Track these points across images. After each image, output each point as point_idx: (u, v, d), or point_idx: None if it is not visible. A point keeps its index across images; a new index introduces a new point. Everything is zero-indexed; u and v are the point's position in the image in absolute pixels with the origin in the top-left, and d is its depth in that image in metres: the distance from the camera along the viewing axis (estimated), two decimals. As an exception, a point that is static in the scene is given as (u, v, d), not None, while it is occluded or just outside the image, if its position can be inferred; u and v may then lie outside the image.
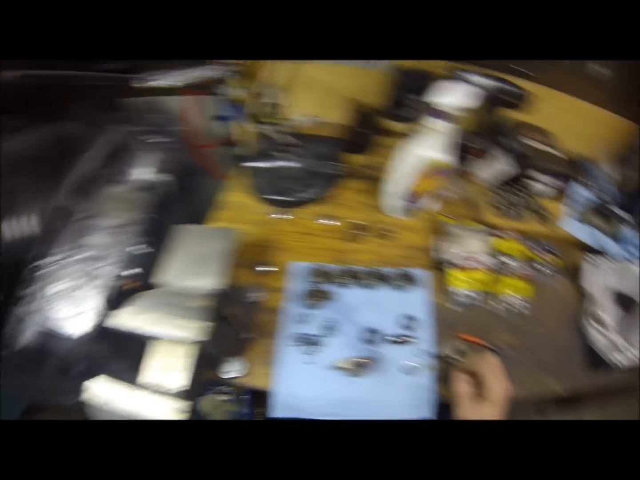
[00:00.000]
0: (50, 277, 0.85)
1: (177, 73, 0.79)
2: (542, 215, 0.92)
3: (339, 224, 0.91)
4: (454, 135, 0.74)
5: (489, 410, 0.53)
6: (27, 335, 0.82)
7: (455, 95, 0.68)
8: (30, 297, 0.83)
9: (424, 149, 0.76)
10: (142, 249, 0.97)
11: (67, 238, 0.89)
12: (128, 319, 0.51)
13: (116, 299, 0.87)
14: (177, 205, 1.14)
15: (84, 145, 1.04)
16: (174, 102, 1.20)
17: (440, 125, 0.72)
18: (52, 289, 0.84)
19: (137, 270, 0.94)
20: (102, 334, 0.67)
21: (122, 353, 0.55)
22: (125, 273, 0.91)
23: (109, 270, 0.89)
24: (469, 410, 0.55)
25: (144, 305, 0.53)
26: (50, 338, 0.83)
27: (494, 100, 0.91)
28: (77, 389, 0.98)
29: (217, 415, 1.22)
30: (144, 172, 1.07)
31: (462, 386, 0.58)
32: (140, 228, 0.97)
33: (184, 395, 0.48)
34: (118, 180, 1.04)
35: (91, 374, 0.96)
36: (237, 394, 0.81)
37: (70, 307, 0.83)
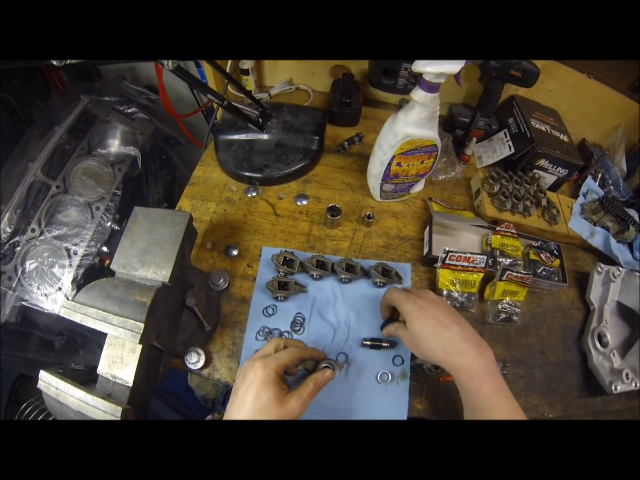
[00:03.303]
0: (29, 253, 0.88)
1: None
2: (548, 211, 0.81)
3: (317, 205, 0.82)
4: (439, 110, 0.67)
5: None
6: (9, 310, 0.86)
7: (450, 64, 0.57)
8: (10, 273, 0.87)
9: (407, 125, 0.67)
10: (114, 226, 0.99)
11: (43, 214, 0.91)
12: (76, 309, 0.48)
13: (92, 277, 0.92)
14: (152, 179, 1.10)
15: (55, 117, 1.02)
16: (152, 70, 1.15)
17: (427, 97, 0.62)
18: (31, 265, 0.88)
19: (108, 249, 0.97)
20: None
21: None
22: (98, 250, 0.94)
23: (84, 247, 0.92)
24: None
25: (93, 296, 0.49)
26: (31, 313, 0.89)
27: (503, 75, 0.79)
28: (62, 362, 1.00)
29: (206, 388, 1.22)
30: (117, 144, 1.04)
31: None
32: (113, 204, 0.99)
33: (131, 393, 0.46)
34: (91, 153, 1.01)
35: (73, 348, 0.95)
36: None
37: (49, 283, 0.88)
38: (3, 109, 1.09)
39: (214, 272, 0.70)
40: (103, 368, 0.47)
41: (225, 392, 1.30)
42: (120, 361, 0.47)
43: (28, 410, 1.03)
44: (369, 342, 0.64)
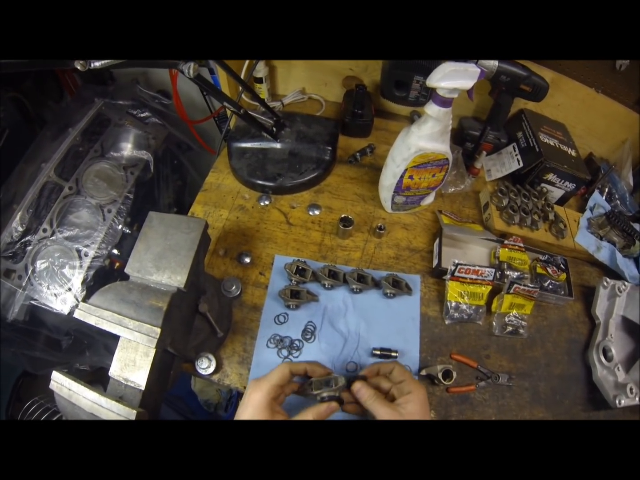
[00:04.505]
0: (40, 253, 0.89)
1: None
2: (555, 225, 0.82)
3: (329, 216, 0.83)
4: (451, 124, 0.68)
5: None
6: (18, 308, 0.86)
7: (463, 79, 0.58)
8: (20, 271, 0.88)
9: (420, 138, 0.67)
10: (125, 230, 1.00)
11: (55, 214, 0.91)
12: (91, 312, 0.48)
13: (102, 279, 0.94)
14: (163, 184, 1.11)
15: (70, 119, 1.02)
16: (165, 76, 1.15)
17: (440, 112, 0.63)
18: (42, 265, 0.88)
19: (118, 251, 0.99)
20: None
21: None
22: (109, 252, 0.95)
23: (94, 249, 0.93)
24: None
25: (108, 299, 0.50)
26: (40, 312, 0.89)
27: (513, 89, 0.80)
28: (68, 362, 1.02)
29: (209, 393, 1.23)
30: (130, 148, 1.06)
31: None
32: (125, 207, 1.00)
33: (143, 396, 0.46)
34: (104, 156, 1.02)
35: (80, 348, 0.96)
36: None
37: (59, 284, 0.86)
38: (16, 109, 1.10)
39: (227, 279, 0.70)
40: (115, 370, 0.47)
41: (228, 398, 1.29)
42: (132, 364, 0.47)
43: (32, 408, 1.04)
44: (378, 352, 0.65)
